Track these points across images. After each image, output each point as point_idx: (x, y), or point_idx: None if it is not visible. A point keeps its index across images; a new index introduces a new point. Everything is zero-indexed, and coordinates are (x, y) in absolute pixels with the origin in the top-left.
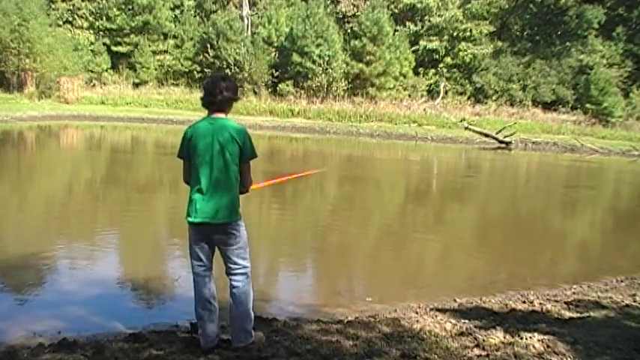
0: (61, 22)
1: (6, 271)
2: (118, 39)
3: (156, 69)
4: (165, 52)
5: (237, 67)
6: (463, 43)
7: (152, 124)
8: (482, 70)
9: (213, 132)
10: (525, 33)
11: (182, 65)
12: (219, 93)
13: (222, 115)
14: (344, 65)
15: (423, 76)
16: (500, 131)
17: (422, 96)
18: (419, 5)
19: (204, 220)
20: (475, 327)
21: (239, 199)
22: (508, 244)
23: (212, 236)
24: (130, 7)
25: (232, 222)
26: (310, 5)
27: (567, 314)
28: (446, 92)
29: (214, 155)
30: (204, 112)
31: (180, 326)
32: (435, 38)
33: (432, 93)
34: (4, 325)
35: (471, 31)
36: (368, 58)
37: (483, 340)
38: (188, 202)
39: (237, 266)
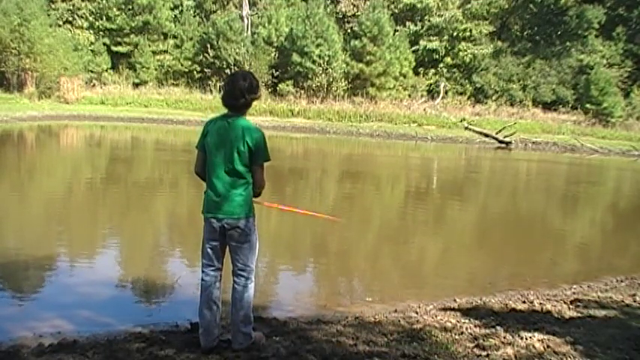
0: (61, 22)
1: (6, 271)
2: (118, 39)
3: (156, 69)
4: (165, 52)
5: (237, 67)
6: (463, 43)
7: (152, 124)
8: (482, 70)
9: (226, 131)
10: (525, 33)
11: (182, 65)
12: (240, 96)
13: (239, 115)
14: (344, 65)
15: (423, 76)
16: (500, 131)
17: (422, 96)
18: (419, 5)
19: (216, 215)
20: (475, 327)
21: (250, 198)
22: (508, 244)
23: (223, 233)
24: (130, 7)
25: (242, 218)
26: (310, 5)
27: (567, 314)
28: (446, 92)
29: (225, 154)
30: (204, 112)
31: (180, 326)
32: (435, 38)
33: (432, 93)
34: (5, 324)
35: (470, 31)
36: (368, 58)
37: (483, 340)
38: (204, 197)
39: (244, 266)
